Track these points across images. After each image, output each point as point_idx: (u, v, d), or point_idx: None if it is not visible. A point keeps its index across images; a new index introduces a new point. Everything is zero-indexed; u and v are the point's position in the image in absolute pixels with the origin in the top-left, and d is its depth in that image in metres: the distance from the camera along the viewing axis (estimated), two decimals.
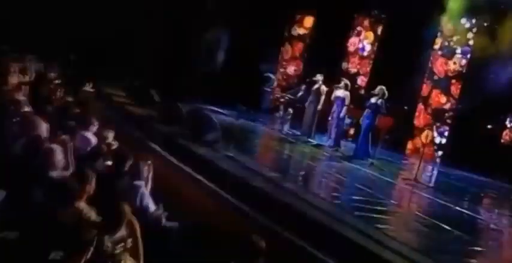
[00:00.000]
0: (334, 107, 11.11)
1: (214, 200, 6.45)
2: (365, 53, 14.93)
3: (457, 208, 7.61)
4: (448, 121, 13.43)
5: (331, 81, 12.33)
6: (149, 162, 5.71)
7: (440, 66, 13.73)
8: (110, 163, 5.96)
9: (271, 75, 14.99)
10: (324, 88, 11.62)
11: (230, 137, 8.07)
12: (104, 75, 11.49)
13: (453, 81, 13.42)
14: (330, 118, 11.99)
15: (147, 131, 8.37)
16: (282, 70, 16.53)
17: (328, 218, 5.90)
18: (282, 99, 14.75)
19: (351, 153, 10.52)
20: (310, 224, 5.82)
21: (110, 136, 6.49)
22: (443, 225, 6.35)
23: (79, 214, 4.24)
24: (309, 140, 11.34)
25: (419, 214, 6.78)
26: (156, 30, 14.57)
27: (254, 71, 15.11)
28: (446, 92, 13.48)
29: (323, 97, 11.56)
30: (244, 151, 8.29)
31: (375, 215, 6.52)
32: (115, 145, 6.28)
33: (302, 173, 8.44)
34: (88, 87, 11.13)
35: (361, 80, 14.82)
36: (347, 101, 10.94)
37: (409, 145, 14.01)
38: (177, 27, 15.27)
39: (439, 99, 13.58)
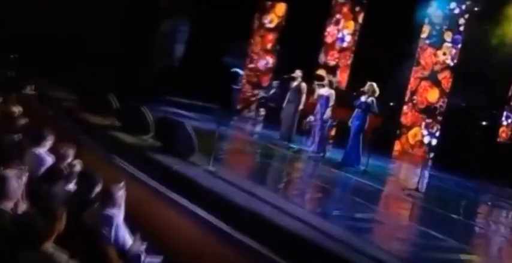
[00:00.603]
0: (318, 107, 10.76)
1: (194, 223, 6.05)
2: (345, 44, 14.80)
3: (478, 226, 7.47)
4: (439, 118, 13.39)
5: (308, 77, 12.12)
6: (122, 184, 5.25)
7: (428, 57, 13.67)
8: (73, 187, 5.47)
9: (239, 71, 14.69)
10: (304, 86, 11.25)
11: (207, 147, 7.67)
12: (51, 77, 10.90)
13: (443, 73, 13.38)
14: (312, 119, 11.77)
15: (109, 144, 7.89)
16: (251, 65, 16.20)
17: (329, 241, 5.58)
18: (252, 98, 14.49)
19: (339, 159, 10.24)
20: (308, 248, 5.50)
21: (70, 153, 5.96)
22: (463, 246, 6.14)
23: (48, 259, 3.78)
24: (290, 145, 11.06)
25: (433, 233, 6.52)
26: (108, 23, 14.05)
27: (219, 66, 14.79)
28: (436, 86, 13.42)
29: (304, 96, 11.27)
30: (224, 163, 7.92)
31: (382, 237, 6.24)
32: (78, 164, 5.77)
33: (289, 186, 8.12)
34: (29, 90, 10.50)
35: (341, 75, 14.63)
36: (332, 101, 10.59)
37: (397, 146, 13.93)
38: (131, 20, 14.78)
39: (428, 94, 13.55)
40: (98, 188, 5.21)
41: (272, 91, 13.68)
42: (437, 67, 13.49)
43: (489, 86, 12.21)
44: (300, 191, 7.91)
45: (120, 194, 5.10)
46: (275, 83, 13.82)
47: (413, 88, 13.78)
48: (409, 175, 11.54)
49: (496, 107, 12.64)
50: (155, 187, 6.43)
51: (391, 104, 13.13)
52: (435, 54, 13.52)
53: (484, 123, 12.85)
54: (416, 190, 8.58)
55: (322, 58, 14.98)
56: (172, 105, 13.01)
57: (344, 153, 10.16)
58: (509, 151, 12.31)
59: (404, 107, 13.85)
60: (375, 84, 10.10)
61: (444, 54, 13.40)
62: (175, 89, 14.61)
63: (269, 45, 16.13)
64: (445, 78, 13.34)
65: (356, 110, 10.08)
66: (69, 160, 5.89)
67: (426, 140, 13.49)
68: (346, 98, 11.34)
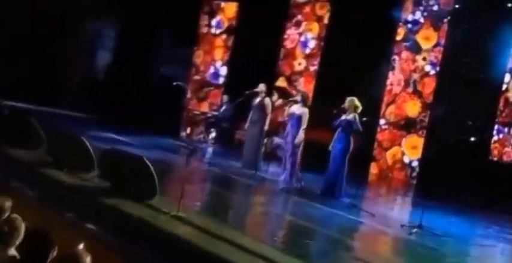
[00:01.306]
0: (288, 128, 10.55)
1: None
2: (308, 50, 14.69)
3: None
4: (421, 133, 13.40)
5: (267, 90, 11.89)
6: (82, 246, 4.77)
7: (405, 63, 13.71)
8: (15, 254, 4.92)
9: (183, 85, 14.36)
10: (268, 102, 11.21)
11: (167, 185, 7.26)
12: None
13: (424, 82, 13.34)
14: (277, 141, 11.54)
15: (44, 187, 7.32)
16: (197, 77, 15.95)
17: None
18: (201, 117, 14.21)
19: (317, 189, 9.98)
20: None
21: (7, 206, 5.38)
22: None
23: None
24: (258, 174, 10.76)
25: None
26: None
27: (157, 79, 14.38)
28: (417, 97, 13.42)
29: (269, 114, 11.20)
30: (191, 205, 7.50)
31: None
32: (19, 220, 5.19)
33: (269, 228, 7.76)
34: None
35: (306, 85, 14.48)
36: (305, 121, 10.39)
37: (373, 169, 13.81)
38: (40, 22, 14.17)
39: (407, 106, 13.53)
40: (53, 253, 4.71)
41: (223, 108, 13.41)
42: (416, 75, 13.48)
43: (477, 96, 12.31)
44: (282, 234, 7.60)
45: (83, 259, 4.62)
46: (226, 97, 13.61)
47: (390, 100, 13.75)
48: (396, 204, 11.48)
49: (485, 119, 12.72)
50: (115, 241, 5.98)
51: (364, 119, 13.06)
52: (414, 60, 13.51)
53: (472, 139, 12.94)
54: (419, 227, 8.38)
55: (281, 67, 14.88)
56: (99, 127, 12.46)
57: (324, 182, 9.94)
58: (503, 170, 12.38)
59: (381, 122, 13.80)
60: (356, 100, 9.94)
61: (424, 59, 13.42)
62: (99, 107, 14.07)
63: (218, 53, 15.94)
64: (427, 87, 13.35)
65: (337, 131, 9.89)
66: (6, 214, 5.32)
67: (407, 159, 13.46)
68: (312, 114, 11.19)
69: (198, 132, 14.28)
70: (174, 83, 13.86)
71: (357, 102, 9.93)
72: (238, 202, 9.03)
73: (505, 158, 12.43)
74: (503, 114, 12.53)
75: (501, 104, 12.53)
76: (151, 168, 7.03)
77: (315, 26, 14.61)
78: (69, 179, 7.63)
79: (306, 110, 10.48)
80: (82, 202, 6.79)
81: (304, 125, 10.43)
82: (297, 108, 10.53)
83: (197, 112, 14.78)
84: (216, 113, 13.86)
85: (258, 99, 11.21)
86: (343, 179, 9.85)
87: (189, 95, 15.27)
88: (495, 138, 12.63)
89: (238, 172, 10.92)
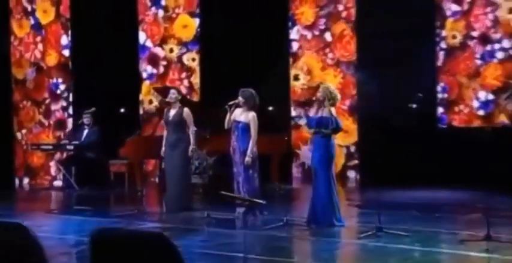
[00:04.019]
0: (233, 143, 10.85)
1: None
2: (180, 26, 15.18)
3: None
4: (344, 108, 13.80)
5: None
6: None
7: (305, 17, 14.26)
8: None
9: None
10: (188, 113, 11.37)
11: None
12: None
13: (341, 40, 14.02)
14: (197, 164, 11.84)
15: None
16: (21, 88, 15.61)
17: None
18: (50, 151, 13.85)
19: (302, 217, 10.15)
20: None
21: None
22: None
23: None
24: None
25: None
26: None
27: None
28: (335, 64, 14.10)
29: (192, 128, 11.43)
30: None
31: None
32: None
33: None
34: None
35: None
36: (254, 129, 10.70)
37: (296, 171, 14.50)
38: None
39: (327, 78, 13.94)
40: None
41: (85, 131, 13.52)
42: (327, 34, 14.14)
43: (411, 51, 13.20)
44: None
45: None
46: (87, 116, 13.66)
47: (299, 75, 14.27)
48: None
49: (426, 76, 13.53)
50: None
51: (271, 109, 13.41)
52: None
53: (413, 106, 13.85)
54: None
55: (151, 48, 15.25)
56: None
57: (310, 205, 10.15)
58: (455, 137, 13.25)
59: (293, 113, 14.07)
60: (331, 87, 10.22)
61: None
62: None
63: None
64: (344, 48, 14.09)
65: (313, 132, 10.20)
66: None
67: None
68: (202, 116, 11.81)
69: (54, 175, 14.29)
70: None
71: (333, 91, 10.08)
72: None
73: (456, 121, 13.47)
74: (447, 65, 13.46)
75: (441, 52, 13.47)
76: None
77: None
78: None
79: (253, 115, 10.71)
80: None
81: (254, 135, 10.70)
82: (240, 114, 10.76)
83: (47, 146, 14.32)
84: (76, 142, 13.67)
85: (172, 112, 11.39)
86: (333, 196, 10.09)
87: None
88: (440, 97, 13.58)
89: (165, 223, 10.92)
